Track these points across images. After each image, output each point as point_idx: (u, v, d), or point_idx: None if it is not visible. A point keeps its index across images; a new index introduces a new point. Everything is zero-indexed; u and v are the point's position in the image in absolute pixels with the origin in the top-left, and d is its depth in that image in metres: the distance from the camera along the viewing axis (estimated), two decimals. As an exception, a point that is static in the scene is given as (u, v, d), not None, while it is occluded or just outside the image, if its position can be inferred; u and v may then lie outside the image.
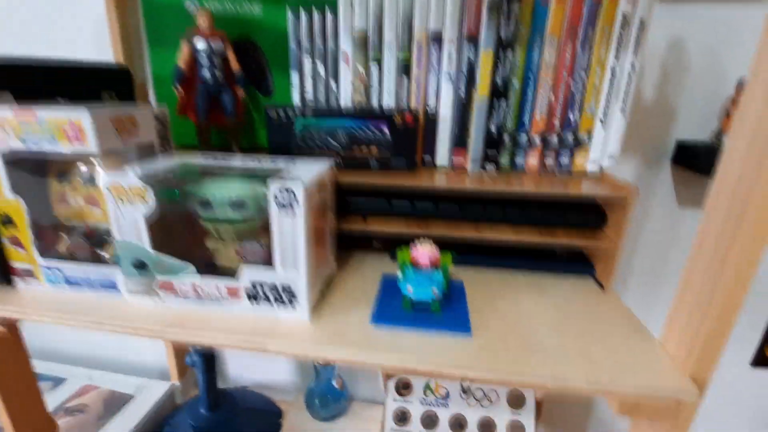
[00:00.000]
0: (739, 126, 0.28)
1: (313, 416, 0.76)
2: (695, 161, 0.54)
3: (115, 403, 0.74)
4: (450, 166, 0.48)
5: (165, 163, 0.38)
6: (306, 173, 0.35)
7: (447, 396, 0.65)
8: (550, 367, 0.32)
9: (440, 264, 0.37)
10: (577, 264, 0.47)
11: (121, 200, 0.34)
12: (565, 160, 0.46)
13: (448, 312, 0.38)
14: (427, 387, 0.65)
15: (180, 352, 0.78)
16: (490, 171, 0.47)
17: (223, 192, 0.36)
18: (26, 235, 0.37)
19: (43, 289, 0.39)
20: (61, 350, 0.87)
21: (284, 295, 0.35)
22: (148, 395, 0.76)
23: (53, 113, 0.33)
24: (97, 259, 0.39)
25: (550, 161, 0.47)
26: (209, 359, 0.67)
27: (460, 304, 0.39)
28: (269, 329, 0.35)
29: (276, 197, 0.32)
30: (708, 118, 0.57)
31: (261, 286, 0.35)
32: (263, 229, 0.37)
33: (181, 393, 0.80)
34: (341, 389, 0.75)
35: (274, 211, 0.32)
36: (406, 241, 0.41)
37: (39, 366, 0.81)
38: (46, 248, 0.39)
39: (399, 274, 0.38)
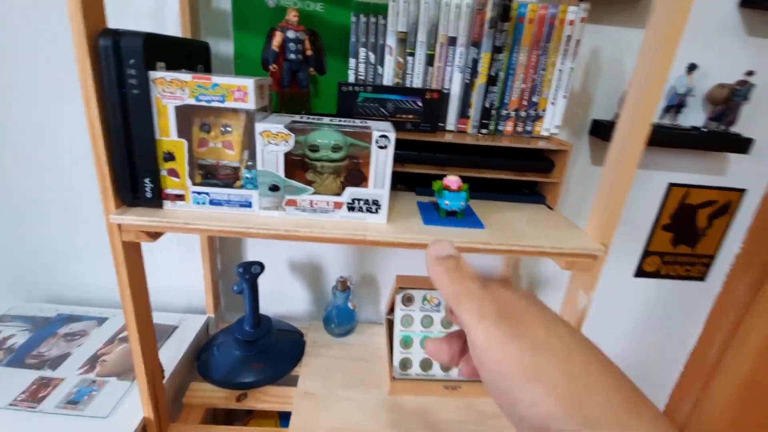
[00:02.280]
0: (625, 110, 0.54)
1: (329, 333, 0.96)
2: (603, 133, 0.83)
3: (163, 332, 0.87)
4: (456, 130, 0.70)
5: (281, 120, 0.55)
6: (385, 127, 0.54)
7: (439, 304, 0.89)
8: (531, 241, 0.56)
9: (463, 188, 0.60)
10: (534, 195, 0.72)
11: (268, 142, 0.51)
12: (528, 127, 0.71)
13: (468, 218, 0.60)
14: (425, 298, 0.88)
15: (215, 287, 0.92)
16: (483, 133, 0.70)
17: (327, 139, 0.54)
18: (184, 167, 0.52)
19: (189, 208, 0.55)
20: (98, 297, 0.96)
21: (373, 206, 0.55)
22: (189, 325, 0.90)
23: (225, 79, 0.49)
24: (229, 186, 0.55)
25: (519, 128, 0.71)
26: (254, 286, 0.83)
27: (473, 215, 0.62)
28: (363, 227, 0.54)
29: (377, 141, 0.51)
30: (612, 104, 0.85)
31: (358, 200, 0.55)
32: (347, 166, 0.56)
33: (214, 324, 0.95)
34: (354, 310, 0.95)
35: (374, 149, 0.52)
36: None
37: (78, 310, 0.90)
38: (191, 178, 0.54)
39: (436, 195, 0.60)
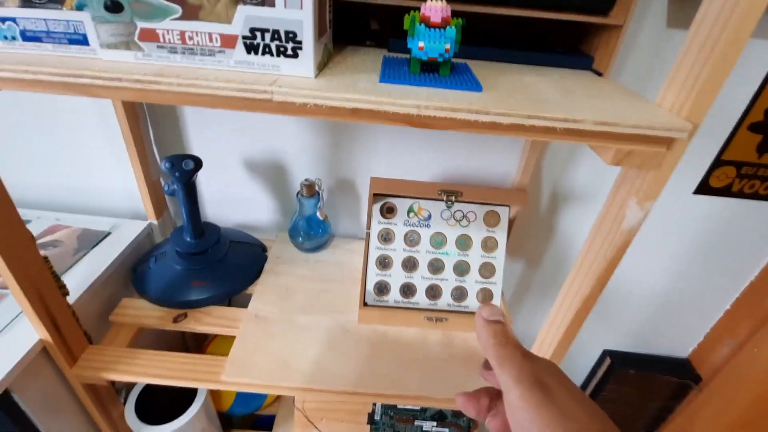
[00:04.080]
0: None
1: (297, 247, 0.79)
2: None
3: (90, 239, 0.72)
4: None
5: None
6: None
7: (429, 217, 0.69)
8: (560, 112, 0.32)
9: (452, 23, 0.35)
10: (576, 56, 0.46)
11: None
12: (579, -67, 0.42)
13: (457, 76, 0.37)
14: (411, 210, 0.68)
15: (155, 189, 0.75)
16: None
17: None
18: (-47, -37, 0.30)
19: (-8, 46, 0.33)
20: (21, 198, 0.81)
21: (287, 44, 0.32)
22: (125, 232, 0.74)
23: None
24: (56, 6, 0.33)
25: (563, -64, 0.43)
26: (190, 187, 0.65)
27: (467, 73, 0.38)
28: (272, 81, 0.32)
29: None
30: None
31: (261, 32, 0.32)
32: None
33: (160, 233, 0.79)
34: (325, 221, 0.77)
35: None
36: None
37: (-5, 208, 0.75)
38: (-17, -7, 0.32)
39: (408, 37, 0.36)
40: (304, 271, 0.75)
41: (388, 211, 0.68)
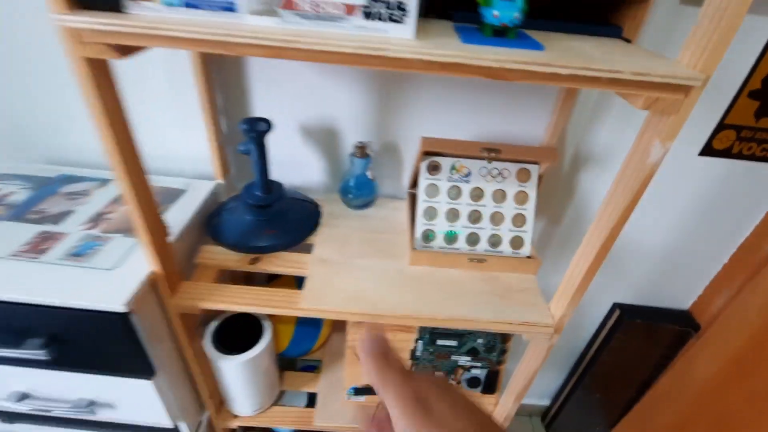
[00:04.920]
0: None
1: (346, 204, 0.89)
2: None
3: (170, 195, 0.81)
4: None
5: None
6: None
7: (468, 174, 0.78)
8: (605, 65, 0.42)
9: (518, -5, 0.44)
10: (607, 26, 0.56)
11: None
12: None
13: (521, 39, 0.46)
14: (453, 167, 0.78)
15: (222, 152, 0.84)
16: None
17: None
18: (143, -52, 0.39)
19: (159, 12, 0.42)
20: (88, 160, 0.90)
21: (396, 11, 0.41)
22: (197, 190, 0.84)
23: None
24: (210, -16, 0.42)
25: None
26: (262, 146, 0.74)
27: (528, 37, 0.47)
28: (383, 42, 0.42)
29: None
30: None
31: (377, 2, 0.41)
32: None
33: (224, 191, 0.89)
34: (373, 180, 0.87)
35: None
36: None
37: (80, 171, 0.85)
38: (156, -29, 0.41)
39: (481, 7, 0.45)
40: (356, 224, 0.85)
41: (433, 169, 0.78)
